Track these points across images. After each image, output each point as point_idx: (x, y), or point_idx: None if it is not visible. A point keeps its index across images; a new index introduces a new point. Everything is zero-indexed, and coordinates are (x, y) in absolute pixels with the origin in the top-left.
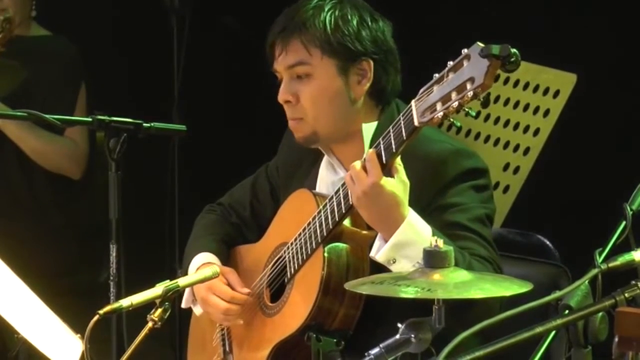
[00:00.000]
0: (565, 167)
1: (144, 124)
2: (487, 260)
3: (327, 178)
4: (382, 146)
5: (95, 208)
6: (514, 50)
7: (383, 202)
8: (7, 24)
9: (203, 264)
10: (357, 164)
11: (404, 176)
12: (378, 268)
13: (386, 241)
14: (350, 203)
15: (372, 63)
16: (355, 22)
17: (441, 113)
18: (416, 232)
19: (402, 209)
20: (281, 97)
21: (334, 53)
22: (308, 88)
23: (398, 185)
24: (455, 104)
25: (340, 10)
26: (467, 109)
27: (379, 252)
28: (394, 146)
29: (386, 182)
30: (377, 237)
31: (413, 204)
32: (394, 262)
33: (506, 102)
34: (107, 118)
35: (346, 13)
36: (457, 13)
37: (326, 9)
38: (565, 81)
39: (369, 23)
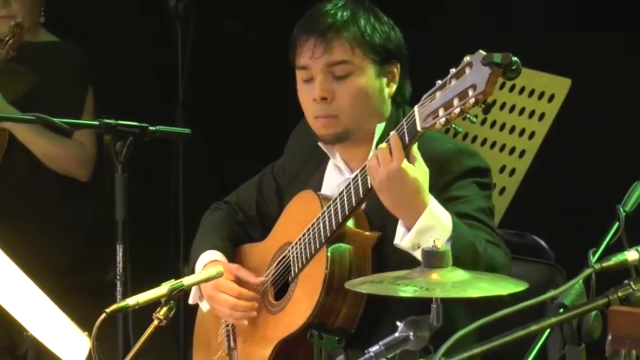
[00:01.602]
0: (560, 169)
1: (150, 127)
2: (497, 246)
3: (333, 179)
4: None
5: (102, 209)
6: (515, 58)
7: (406, 187)
8: (17, 29)
9: (210, 261)
10: (384, 145)
11: (423, 165)
12: (380, 268)
13: (408, 228)
14: (354, 204)
15: (399, 67)
16: (386, 26)
17: (443, 119)
18: (437, 219)
19: (424, 195)
20: (319, 93)
21: (374, 54)
22: (348, 87)
23: (419, 172)
24: (457, 110)
25: (372, 13)
26: (468, 115)
27: (404, 239)
28: None
29: (408, 167)
30: (398, 225)
31: None
32: (418, 248)
33: (502, 106)
34: (114, 121)
35: (377, 16)
36: (456, 19)
37: (361, 12)
38: (559, 85)
39: (394, 27)
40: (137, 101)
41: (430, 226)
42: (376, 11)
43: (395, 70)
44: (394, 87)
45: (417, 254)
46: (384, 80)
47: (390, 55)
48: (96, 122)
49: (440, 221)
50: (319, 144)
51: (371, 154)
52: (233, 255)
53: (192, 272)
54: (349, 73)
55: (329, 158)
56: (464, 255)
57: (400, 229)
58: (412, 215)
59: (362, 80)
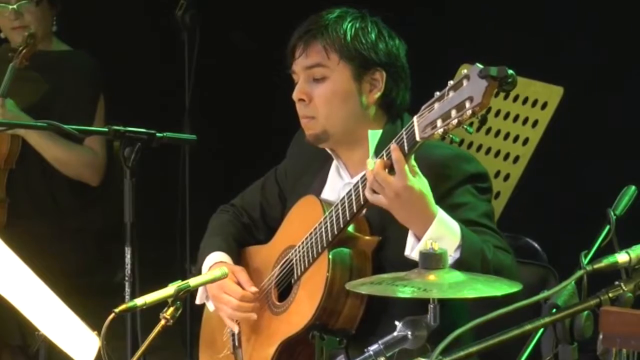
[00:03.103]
0: (553, 174)
1: (157, 134)
2: (505, 250)
3: (335, 183)
4: (384, 158)
5: (112, 212)
6: (510, 71)
7: (416, 201)
8: (31, 39)
9: (215, 262)
10: (380, 162)
11: (422, 176)
12: (380, 271)
13: (418, 238)
14: (355, 211)
15: (384, 75)
16: (373, 35)
17: (441, 129)
18: (447, 227)
19: (432, 206)
20: (296, 95)
21: (350, 59)
22: (322, 89)
23: (423, 184)
24: (455, 121)
25: (361, 22)
26: (465, 126)
27: (414, 250)
28: None
29: (414, 182)
30: (408, 235)
31: None
32: None
33: (497, 114)
34: (123, 128)
35: (366, 25)
36: (454, 32)
37: (348, 19)
38: (552, 93)
39: (386, 38)
40: (146, 108)
41: (440, 236)
42: (367, 20)
43: (378, 76)
44: (377, 93)
45: None
46: (366, 85)
47: (371, 62)
48: (105, 129)
49: (450, 230)
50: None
51: (369, 160)
52: (238, 256)
53: (200, 272)
54: (325, 76)
55: (332, 160)
56: (474, 262)
57: (410, 239)
58: (422, 226)
59: (337, 83)
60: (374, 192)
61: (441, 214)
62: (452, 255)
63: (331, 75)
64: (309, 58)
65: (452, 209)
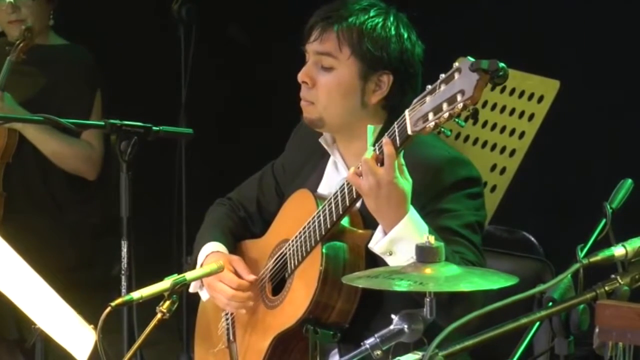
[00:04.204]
0: (549, 167)
1: (154, 128)
2: (474, 265)
3: (332, 178)
4: (376, 152)
5: (108, 206)
6: (501, 64)
7: (393, 198)
8: (28, 33)
9: (212, 252)
10: (372, 154)
11: (407, 175)
12: (373, 264)
13: (385, 233)
14: (347, 204)
15: (391, 79)
16: (390, 35)
17: (433, 123)
18: (414, 229)
19: (407, 205)
20: (301, 77)
21: (361, 56)
22: (326, 79)
23: (407, 183)
24: (446, 114)
25: (383, 19)
26: (456, 119)
27: (378, 243)
28: None
29: (399, 179)
30: (377, 229)
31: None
32: (390, 255)
33: (493, 107)
34: (119, 122)
35: (387, 23)
36: (449, 23)
37: (371, 14)
38: (548, 87)
39: (404, 41)
40: (142, 103)
41: (404, 236)
42: (389, 18)
43: (385, 79)
44: (380, 95)
45: (389, 260)
46: (370, 85)
47: (381, 64)
48: (101, 123)
49: (415, 233)
50: (320, 140)
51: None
52: (234, 249)
53: (195, 262)
54: (333, 67)
55: (329, 155)
56: None
57: (378, 233)
58: (391, 222)
59: (342, 77)
60: (358, 175)
61: (411, 216)
62: (414, 257)
63: (339, 67)
64: (322, 45)
65: (438, 213)
